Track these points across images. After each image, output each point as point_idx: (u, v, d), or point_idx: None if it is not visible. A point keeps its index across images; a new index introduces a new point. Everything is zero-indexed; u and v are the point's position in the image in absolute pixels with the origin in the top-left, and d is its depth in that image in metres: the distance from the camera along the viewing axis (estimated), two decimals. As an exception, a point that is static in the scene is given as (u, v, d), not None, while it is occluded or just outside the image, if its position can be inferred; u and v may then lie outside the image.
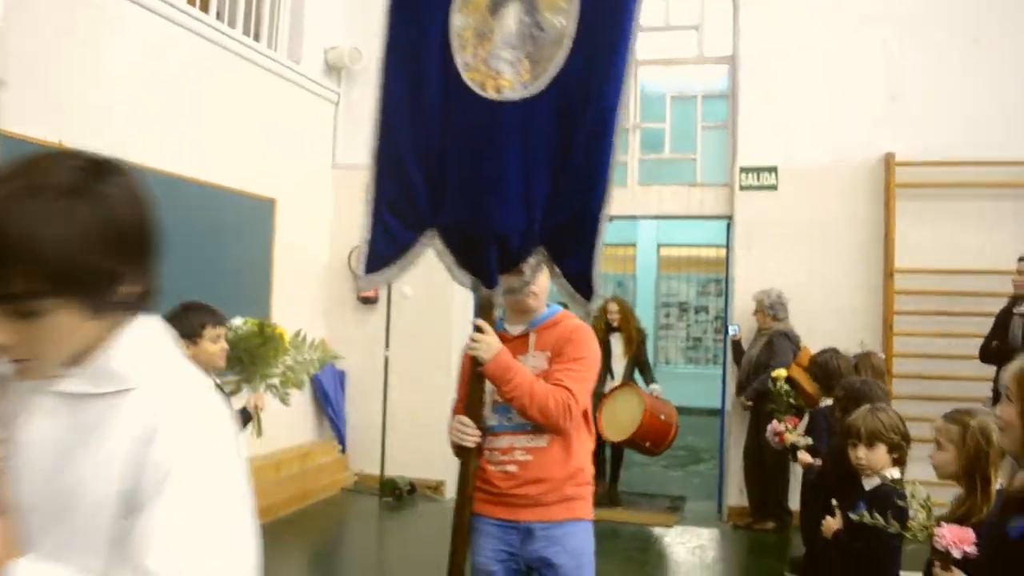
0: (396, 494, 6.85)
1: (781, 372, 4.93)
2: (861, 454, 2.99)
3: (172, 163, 5.44)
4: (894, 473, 2.98)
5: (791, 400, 4.79)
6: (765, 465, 5.97)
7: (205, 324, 3.34)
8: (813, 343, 5.56)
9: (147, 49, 5.32)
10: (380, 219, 2.58)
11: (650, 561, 5.46)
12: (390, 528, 6.45)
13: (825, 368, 4.52)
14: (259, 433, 3.76)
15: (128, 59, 5.17)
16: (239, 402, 3.74)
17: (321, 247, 7.30)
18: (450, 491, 6.99)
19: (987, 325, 5.80)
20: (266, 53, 6.58)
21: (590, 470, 2.73)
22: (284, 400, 3.96)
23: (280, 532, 5.87)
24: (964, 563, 2.05)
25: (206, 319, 3.36)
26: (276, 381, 3.84)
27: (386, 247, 2.58)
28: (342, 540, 6.33)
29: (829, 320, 6.29)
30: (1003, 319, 5.63)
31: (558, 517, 2.62)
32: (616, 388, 6.78)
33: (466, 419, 2.59)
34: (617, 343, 7.07)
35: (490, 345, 2.50)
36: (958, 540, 1.95)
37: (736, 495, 6.51)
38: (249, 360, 3.70)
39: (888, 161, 6.30)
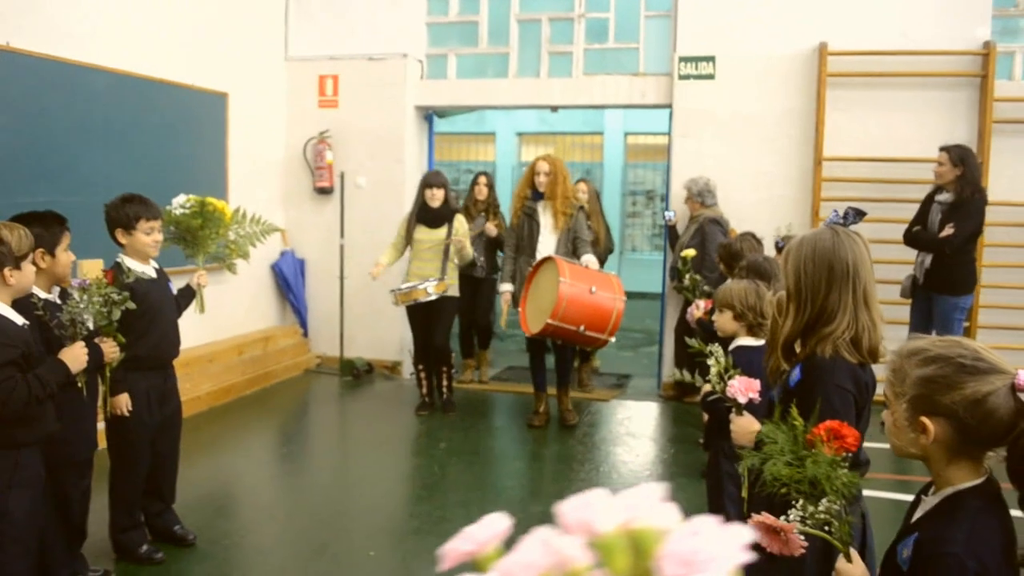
0: (355, 374, 7.29)
1: (689, 252, 5.28)
2: (715, 317, 3.39)
3: (121, 61, 5.62)
4: (747, 341, 3.34)
5: (696, 278, 5.16)
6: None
7: (140, 217, 3.67)
8: (745, 230, 5.85)
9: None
10: None
11: (577, 430, 5.89)
12: (349, 404, 6.89)
13: (729, 250, 4.85)
14: (201, 308, 4.09)
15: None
16: (182, 281, 4.08)
17: (276, 139, 7.50)
18: (405, 370, 7.45)
19: (913, 211, 6.09)
20: (211, -55, 6.63)
21: None
22: (231, 269, 4.36)
23: (244, 409, 6.32)
24: (768, 410, 2.42)
25: (141, 212, 3.68)
26: (224, 253, 4.16)
27: None
28: (305, 414, 6.77)
29: (761, 207, 6.59)
30: (926, 206, 5.91)
31: None
32: (535, 266, 5.64)
33: None
34: (545, 214, 5.93)
35: None
36: (744, 389, 2.31)
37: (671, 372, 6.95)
38: (192, 239, 4.01)
39: (821, 51, 6.46)
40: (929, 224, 5.82)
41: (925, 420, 1.58)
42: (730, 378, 2.36)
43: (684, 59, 6.79)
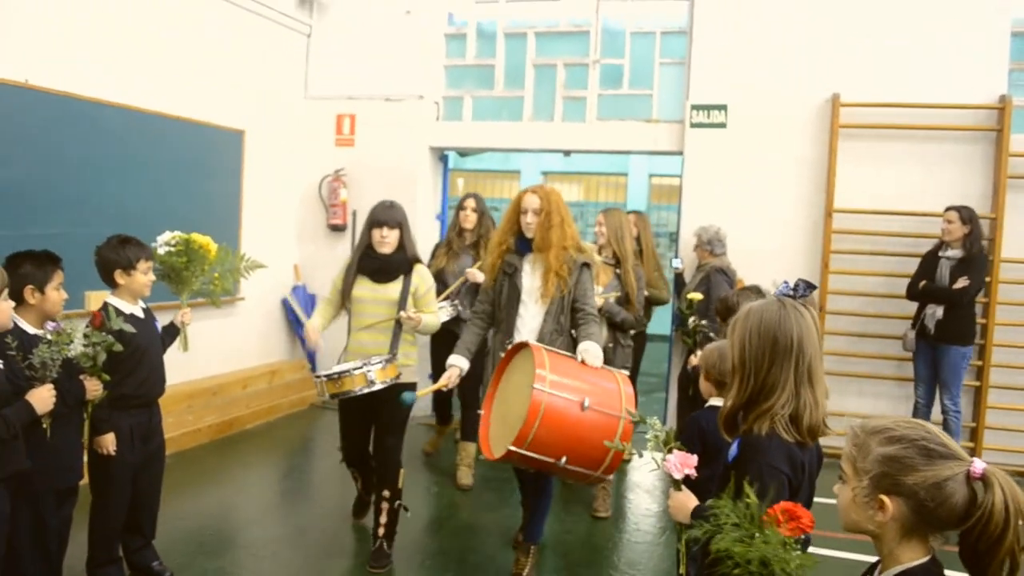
0: (360, 410, 7.28)
1: (696, 295, 5.22)
2: (701, 383, 3.36)
3: (137, 98, 5.76)
4: (719, 402, 3.30)
5: (699, 324, 5.12)
6: (692, 391, 6.29)
7: (140, 258, 3.78)
8: (754, 280, 5.78)
9: (106, -13, 5.59)
10: None
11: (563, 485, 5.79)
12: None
13: (725, 304, 4.79)
14: (185, 347, 4.14)
15: (86, -3, 5.45)
16: (167, 318, 4.14)
17: (291, 176, 7.61)
18: (414, 409, 7.43)
19: (924, 265, 6.03)
20: (233, -13, 6.80)
21: None
22: (216, 303, 4.45)
23: (245, 443, 6.36)
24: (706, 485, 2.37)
25: (140, 254, 3.79)
26: (208, 288, 4.24)
27: None
28: (307, 449, 6.79)
29: (770, 257, 6.53)
30: (930, 261, 5.90)
31: None
32: (506, 354, 3.84)
33: None
34: (532, 272, 4.09)
35: None
36: (680, 464, 2.27)
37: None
38: (176, 277, 4.09)
39: (834, 102, 6.42)
40: (938, 279, 5.83)
41: (884, 498, 1.59)
42: (669, 451, 2.33)
43: (696, 107, 6.78)
